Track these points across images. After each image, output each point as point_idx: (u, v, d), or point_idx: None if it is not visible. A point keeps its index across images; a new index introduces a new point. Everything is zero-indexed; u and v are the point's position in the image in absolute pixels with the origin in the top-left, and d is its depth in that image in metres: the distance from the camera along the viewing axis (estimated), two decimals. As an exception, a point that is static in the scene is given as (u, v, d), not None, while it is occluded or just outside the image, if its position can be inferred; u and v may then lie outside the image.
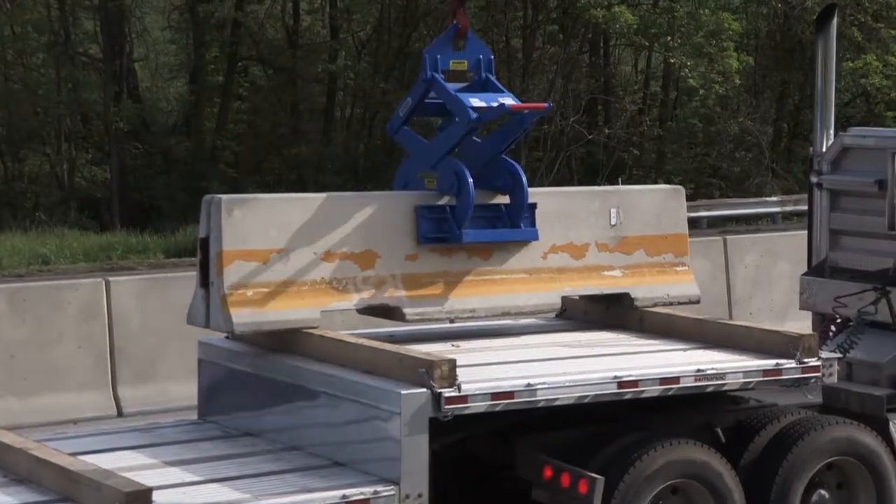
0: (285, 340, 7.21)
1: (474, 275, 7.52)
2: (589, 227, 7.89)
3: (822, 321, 8.89)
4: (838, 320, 8.56)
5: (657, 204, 8.18)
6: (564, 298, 8.52)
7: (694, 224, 22.52)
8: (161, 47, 36.49)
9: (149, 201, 32.14)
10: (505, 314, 7.79)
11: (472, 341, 7.71)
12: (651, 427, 7.11)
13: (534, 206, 7.62)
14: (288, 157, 33.09)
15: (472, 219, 7.41)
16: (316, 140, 33.85)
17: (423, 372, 6.38)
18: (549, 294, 7.75)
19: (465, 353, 7.21)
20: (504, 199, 7.62)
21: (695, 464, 6.93)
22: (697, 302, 8.24)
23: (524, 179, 7.56)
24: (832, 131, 9.19)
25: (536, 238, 7.64)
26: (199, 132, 33.29)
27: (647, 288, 8.00)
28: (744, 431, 7.44)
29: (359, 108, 34.98)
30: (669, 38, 31.80)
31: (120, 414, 10.90)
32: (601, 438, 6.98)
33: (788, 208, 28.00)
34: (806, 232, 9.44)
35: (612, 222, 7.94)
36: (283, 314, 6.99)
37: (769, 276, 13.93)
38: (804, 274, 9.19)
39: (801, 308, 9.26)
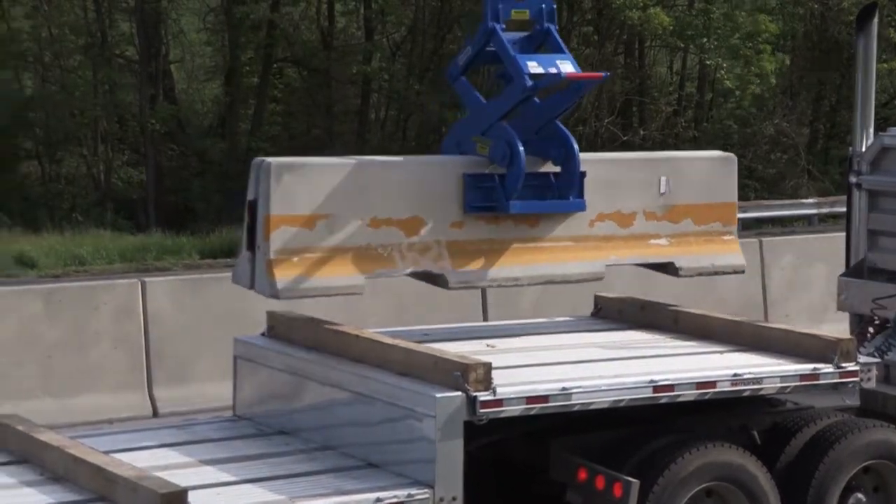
0: (321, 339, 7.21)
1: (519, 243, 7.43)
2: (637, 196, 7.76)
3: (859, 322, 8.82)
4: (876, 322, 8.49)
5: (708, 171, 8.02)
6: (599, 297, 8.49)
7: (729, 226, 22.26)
8: (197, 49, 36.62)
9: (184, 202, 32.25)
10: (548, 283, 7.66)
11: (507, 340, 7.69)
12: (686, 429, 7.07)
13: (583, 174, 7.49)
14: (322, 158, 33.13)
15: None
16: (350, 142, 33.87)
17: (458, 375, 6.36)
18: (594, 263, 7.63)
19: (499, 354, 7.19)
20: (552, 167, 7.50)
21: (730, 466, 6.89)
22: (742, 272, 8.10)
23: (577, 151, 7.42)
24: (871, 131, 9.13)
25: (584, 209, 7.51)
26: (233, 134, 33.39)
27: (692, 258, 7.87)
28: (780, 434, 7.39)
29: (393, 109, 34.99)
30: (705, 39, 31.65)
31: (155, 414, 10.93)
32: (636, 441, 6.94)
33: (824, 210, 27.79)
34: (843, 233, 9.37)
35: (662, 191, 7.80)
36: (327, 280, 6.96)
37: (805, 277, 13.83)
38: (842, 275, 9.13)
39: (839, 309, 9.19)
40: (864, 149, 9.09)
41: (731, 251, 8.03)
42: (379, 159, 7.53)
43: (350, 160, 7.30)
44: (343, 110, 35.35)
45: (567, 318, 8.62)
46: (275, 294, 6.89)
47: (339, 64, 34.25)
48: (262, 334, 7.64)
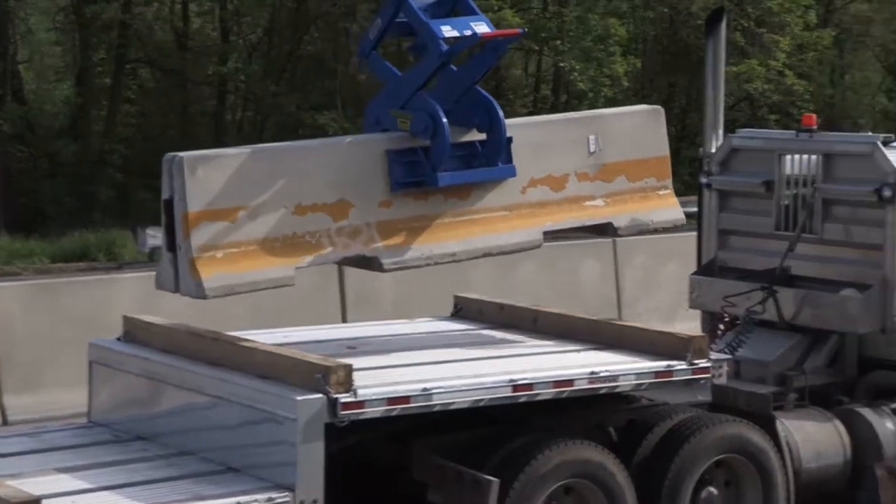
0: (179, 343, 7.12)
1: (452, 216, 7.28)
2: (567, 157, 7.63)
3: (711, 320, 9.03)
4: (727, 319, 8.71)
5: (636, 126, 7.93)
6: (458, 298, 8.53)
7: (584, 226, 22.54)
8: (46, 49, 35.79)
9: (34, 205, 31.50)
10: (486, 255, 7.52)
11: (368, 342, 7.69)
12: (545, 427, 7.16)
13: (510, 140, 7.35)
14: (178, 160, 32.66)
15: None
16: (207, 143, 33.37)
17: (319, 377, 6.34)
18: (530, 231, 7.50)
19: (360, 356, 7.19)
20: (477, 134, 7.37)
21: (588, 463, 7.00)
22: (683, 224, 8.00)
23: (501, 115, 7.28)
24: (721, 132, 9.36)
25: (514, 174, 7.38)
26: (86, 135, 32.70)
27: (629, 216, 7.79)
28: (635, 430, 7.53)
29: (250, 111, 34.69)
30: (559, 42, 32.09)
31: (5, 422, 10.69)
32: (496, 440, 7.01)
33: (676, 210, 28.41)
34: (694, 232, 9.59)
35: (591, 150, 7.68)
36: (256, 274, 6.75)
37: (658, 276, 14.11)
38: (693, 273, 9.34)
39: (691, 307, 9.40)
40: (713, 150, 9.32)
41: (668, 205, 7.96)
42: (297, 144, 7.36)
43: (267, 147, 7.11)
44: (199, 111, 34.91)
45: (427, 319, 8.65)
46: (202, 294, 6.64)
47: (194, 65, 33.80)
48: (118, 339, 7.51)
